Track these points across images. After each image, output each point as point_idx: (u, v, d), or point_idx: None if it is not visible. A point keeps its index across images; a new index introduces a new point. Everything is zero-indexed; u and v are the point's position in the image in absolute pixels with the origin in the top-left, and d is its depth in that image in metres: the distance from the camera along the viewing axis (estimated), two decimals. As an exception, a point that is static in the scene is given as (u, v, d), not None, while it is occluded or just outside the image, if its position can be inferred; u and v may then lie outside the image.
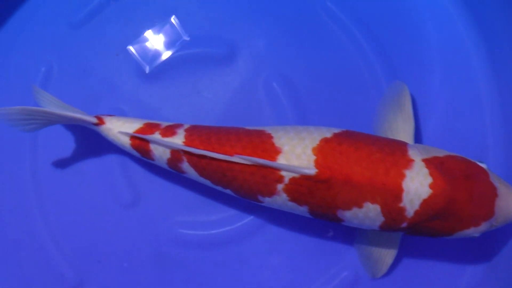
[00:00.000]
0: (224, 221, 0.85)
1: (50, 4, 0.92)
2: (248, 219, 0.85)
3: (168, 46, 0.89)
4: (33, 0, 0.92)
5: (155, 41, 0.89)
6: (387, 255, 0.77)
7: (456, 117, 0.86)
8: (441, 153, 0.69)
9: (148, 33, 0.89)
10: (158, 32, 0.89)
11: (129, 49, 0.89)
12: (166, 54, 0.88)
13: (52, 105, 0.77)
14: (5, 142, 0.89)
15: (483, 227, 0.66)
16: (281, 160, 0.67)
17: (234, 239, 0.85)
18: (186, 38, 0.88)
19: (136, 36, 0.89)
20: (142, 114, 0.87)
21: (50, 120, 0.76)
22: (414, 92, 0.84)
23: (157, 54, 0.88)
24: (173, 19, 0.89)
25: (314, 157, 0.66)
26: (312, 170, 0.65)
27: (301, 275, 0.83)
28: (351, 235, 0.83)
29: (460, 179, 0.65)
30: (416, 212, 0.65)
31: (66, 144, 0.88)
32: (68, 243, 0.86)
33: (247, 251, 0.84)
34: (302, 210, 0.70)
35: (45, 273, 0.86)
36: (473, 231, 0.67)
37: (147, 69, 0.88)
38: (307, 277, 0.83)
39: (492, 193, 0.66)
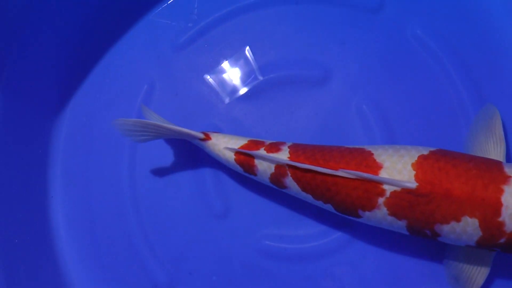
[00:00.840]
0: (311, 236, 0.87)
1: (155, 28, 0.99)
2: (336, 235, 0.87)
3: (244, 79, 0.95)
4: (140, 24, 1.00)
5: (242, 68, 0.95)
6: (479, 275, 0.76)
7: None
8: None
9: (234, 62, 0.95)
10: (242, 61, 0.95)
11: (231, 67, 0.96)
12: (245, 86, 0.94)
13: (159, 121, 0.83)
14: (106, 153, 0.95)
15: None
16: (383, 175, 0.70)
17: (321, 254, 0.87)
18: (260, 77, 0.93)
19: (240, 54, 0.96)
20: (236, 132, 0.91)
21: (159, 133, 0.82)
22: (503, 118, 0.85)
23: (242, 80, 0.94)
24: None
25: (414, 172, 0.69)
26: (413, 184, 0.68)
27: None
28: (438, 255, 0.83)
29: None
30: None
31: (162, 157, 0.94)
32: (161, 250, 0.91)
33: (334, 267, 0.86)
34: (401, 224, 0.72)
35: (139, 276, 0.90)
36: None
37: (241, 91, 0.94)
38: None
39: None
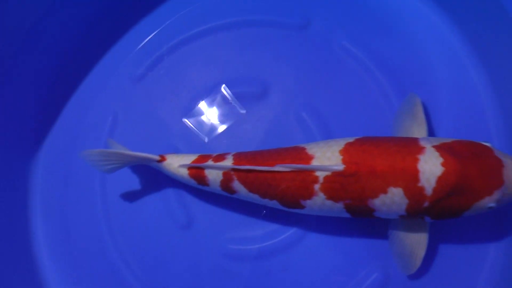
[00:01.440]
0: (268, 235, 0.96)
1: (115, 63, 1.10)
2: (289, 232, 0.96)
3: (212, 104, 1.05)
4: (102, 62, 1.11)
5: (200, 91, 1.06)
6: (419, 248, 0.84)
7: (461, 126, 0.97)
8: (448, 139, 0.79)
9: (195, 82, 1.06)
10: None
11: (180, 95, 1.06)
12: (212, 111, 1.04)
13: (123, 150, 0.92)
14: (80, 180, 1.04)
15: (496, 195, 0.74)
16: (315, 163, 0.79)
17: (277, 251, 0.95)
18: (242, 111, 1.03)
19: (184, 85, 1.06)
20: (191, 145, 1.02)
21: (123, 160, 0.91)
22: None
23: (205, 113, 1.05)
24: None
25: (341, 157, 0.78)
26: (340, 166, 0.77)
27: (336, 278, 0.93)
28: (382, 239, 0.92)
29: (468, 156, 0.75)
30: (434, 190, 0.74)
31: (130, 181, 1.03)
32: (136, 263, 0.99)
33: (290, 260, 0.95)
34: (339, 206, 0.80)
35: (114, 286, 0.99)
36: (488, 201, 0.75)
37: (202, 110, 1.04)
38: (341, 280, 0.93)
39: (498, 165, 0.75)
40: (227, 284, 0.96)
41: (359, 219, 0.91)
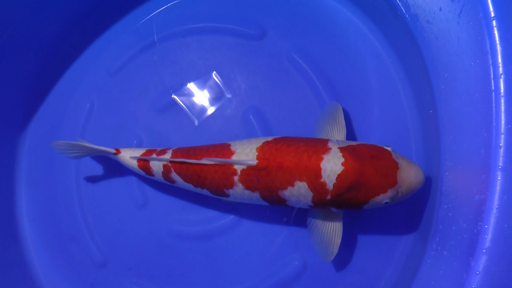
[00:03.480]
0: (210, 219, 1.10)
1: (93, 57, 1.25)
2: (228, 218, 1.09)
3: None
4: (84, 55, 1.26)
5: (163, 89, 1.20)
6: (335, 235, 0.93)
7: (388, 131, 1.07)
8: (355, 143, 0.88)
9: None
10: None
11: (150, 89, 1.20)
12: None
13: (85, 143, 1.07)
14: (59, 162, 1.21)
15: (390, 193, 0.83)
16: (234, 158, 0.91)
17: (216, 233, 1.09)
18: (228, 95, 1.15)
19: (157, 79, 1.20)
20: (155, 140, 1.16)
21: (85, 151, 1.07)
22: (353, 112, 1.08)
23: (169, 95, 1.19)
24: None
25: (257, 153, 0.89)
26: (254, 161, 0.88)
27: (262, 261, 1.06)
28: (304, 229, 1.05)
29: (366, 157, 0.83)
30: (335, 185, 0.84)
31: (101, 165, 1.18)
32: (99, 234, 1.16)
33: (226, 243, 1.08)
34: (256, 195, 0.91)
35: (78, 253, 1.17)
36: (383, 198, 0.84)
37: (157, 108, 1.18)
38: (267, 263, 1.06)
39: (394, 167, 0.83)
40: (169, 259, 1.11)
41: (276, 207, 1.03)
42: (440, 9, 0.84)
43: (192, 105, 1.16)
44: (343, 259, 1.04)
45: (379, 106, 1.08)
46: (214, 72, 1.17)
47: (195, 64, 1.19)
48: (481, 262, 0.71)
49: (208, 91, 1.16)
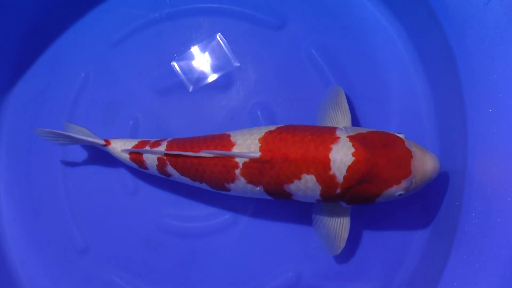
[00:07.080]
0: (201, 217, 1.04)
1: (93, 25, 1.14)
2: (222, 218, 1.03)
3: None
4: (81, 21, 1.15)
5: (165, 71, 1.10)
6: (343, 230, 0.89)
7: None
8: (365, 130, 0.83)
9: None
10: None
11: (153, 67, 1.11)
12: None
13: (76, 131, 0.99)
14: (43, 151, 1.11)
15: (404, 184, 0.78)
16: (235, 150, 0.84)
17: (206, 234, 1.03)
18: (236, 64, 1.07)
19: (158, 60, 1.10)
20: (153, 124, 1.08)
21: (72, 141, 0.99)
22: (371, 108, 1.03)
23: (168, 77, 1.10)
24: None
25: (259, 145, 0.83)
26: (257, 154, 0.82)
27: (253, 269, 1.01)
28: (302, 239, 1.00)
29: (378, 147, 0.79)
30: (345, 177, 0.79)
31: (89, 153, 1.09)
32: (82, 219, 1.08)
33: (216, 245, 1.03)
34: (259, 190, 0.86)
35: (58, 235, 1.09)
36: (396, 189, 0.79)
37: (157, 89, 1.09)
38: (258, 271, 1.01)
39: (407, 156, 0.78)
40: (154, 254, 1.05)
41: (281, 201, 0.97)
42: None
43: (195, 79, 1.08)
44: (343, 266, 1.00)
45: (398, 119, 1.02)
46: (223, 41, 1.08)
47: (205, 47, 1.09)
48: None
49: (215, 79, 1.08)
